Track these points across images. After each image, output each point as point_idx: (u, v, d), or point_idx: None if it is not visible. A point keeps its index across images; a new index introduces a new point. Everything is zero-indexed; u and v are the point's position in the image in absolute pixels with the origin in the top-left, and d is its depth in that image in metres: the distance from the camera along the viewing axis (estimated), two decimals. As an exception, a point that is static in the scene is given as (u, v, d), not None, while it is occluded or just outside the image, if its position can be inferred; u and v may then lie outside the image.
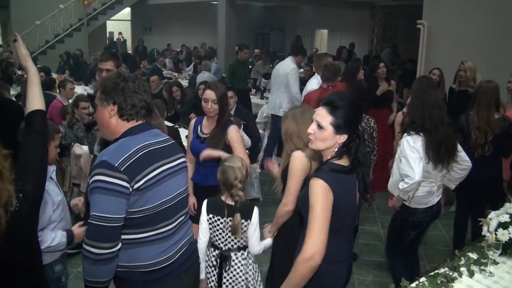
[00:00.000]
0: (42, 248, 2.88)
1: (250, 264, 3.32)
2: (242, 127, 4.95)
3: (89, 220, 2.19)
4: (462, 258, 2.93)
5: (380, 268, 4.96)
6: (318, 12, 20.89)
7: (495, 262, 2.91)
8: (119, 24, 22.21)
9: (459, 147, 3.86)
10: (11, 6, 17.15)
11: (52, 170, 3.24)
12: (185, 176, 2.57)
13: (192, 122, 4.14)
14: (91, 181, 2.21)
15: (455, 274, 2.75)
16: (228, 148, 3.87)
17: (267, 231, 3.44)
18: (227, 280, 3.27)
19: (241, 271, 3.27)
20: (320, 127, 2.39)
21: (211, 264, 3.36)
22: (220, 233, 3.26)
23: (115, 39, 20.92)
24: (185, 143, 5.78)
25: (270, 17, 22.70)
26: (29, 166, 2.09)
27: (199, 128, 4.02)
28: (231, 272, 3.27)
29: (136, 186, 2.20)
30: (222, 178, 3.24)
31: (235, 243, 3.26)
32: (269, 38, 23.69)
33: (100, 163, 2.20)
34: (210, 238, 3.33)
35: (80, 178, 5.80)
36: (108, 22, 19.79)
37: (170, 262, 2.42)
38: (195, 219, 3.42)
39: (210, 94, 3.85)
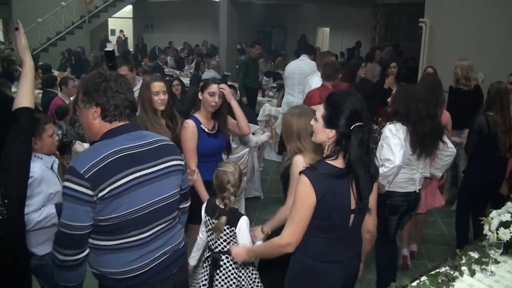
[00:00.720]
0: (31, 226, 2.95)
1: (243, 268, 3.29)
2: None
3: (57, 226, 2.18)
4: (463, 257, 2.92)
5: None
6: (320, 10, 20.86)
7: (496, 261, 2.91)
8: (121, 22, 22.20)
9: (444, 137, 3.98)
10: (12, 3, 17.15)
11: (51, 160, 3.26)
12: (175, 180, 2.43)
13: (192, 125, 3.93)
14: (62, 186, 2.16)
15: (456, 273, 2.74)
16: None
17: (259, 231, 3.33)
18: (219, 283, 3.27)
19: (232, 274, 3.24)
20: (315, 119, 2.48)
21: (204, 265, 3.38)
22: (211, 235, 3.28)
23: (116, 38, 20.89)
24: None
25: (271, 15, 22.68)
26: (11, 169, 2.07)
27: (203, 128, 3.95)
28: (223, 275, 3.26)
29: (100, 194, 2.10)
30: (216, 182, 3.26)
31: (225, 247, 3.25)
32: (271, 36, 23.67)
33: (68, 169, 2.14)
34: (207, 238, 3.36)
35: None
36: (109, 19, 19.77)
37: (143, 271, 2.31)
38: (194, 219, 3.42)
39: (216, 88, 3.89)
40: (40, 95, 7.72)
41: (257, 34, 23.52)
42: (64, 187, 2.11)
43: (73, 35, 17.68)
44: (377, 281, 4.28)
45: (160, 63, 13.62)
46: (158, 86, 3.85)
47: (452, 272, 2.74)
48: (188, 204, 2.70)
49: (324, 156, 2.48)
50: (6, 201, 1.91)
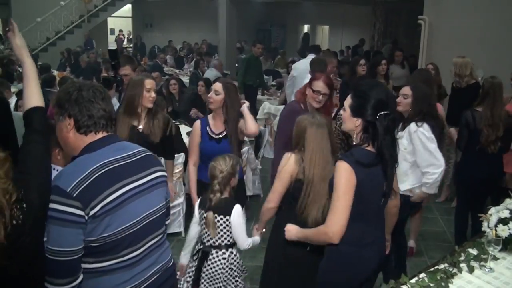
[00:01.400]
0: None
1: (231, 264, 3.31)
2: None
3: (45, 253, 1.96)
4: (462, 254, 2.93)
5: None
6: (319, 8, 20.84)
7: (495, 258, 2.91)
8: (120, 21, 22.20)
9: None
10: (11, 3, 17.15)
11: None
12: (161, 192, 2.27)
13: (197, 124, 4.04)
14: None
15: (455, 270, 2.74)
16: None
17: (255, 229, 3.49)
18: (206, 275, 3.30)
19: (219, 269, 3.27)
20: (344, 108, 2.62)
21: (194, 258, 3.43)
22: (204, 228, 3.33)
23: (115, 37, 20.86)
24: (185, 139, 5.81)
25: (271, 13, 22.65)
26: (30, 172, 1.93)
27: (208, 130, 3.97)
28: (210, 268, 3.29)
29: (91, 213, 1.93)
30: (209, 174, 3.33)
31: (216, 240, 3.28)
32: (270, 34, 23.65)
33: (53, 189, 1.94)
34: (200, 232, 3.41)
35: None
36: (109, 19, 19.76)
37: None
38: None
39: (215, 85, 3.92)
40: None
41: (256, 32, 23.50)
42: (50, 209, 1.91)
43: (73, 34, 17.69)
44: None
45: (159, 62, 13.63)
46: (150, 83, 3.89)
47: (451, 269, 2.74)
48: (169, 219, 2.48)
49: (354, 144, 2.63)
50: (24, 205, 1.77)
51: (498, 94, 4.53)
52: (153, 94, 3.87)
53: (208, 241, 3.31)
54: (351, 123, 2.59)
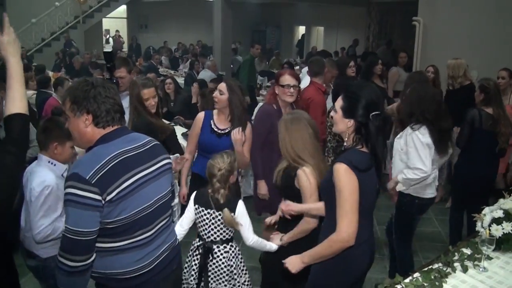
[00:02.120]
0: (57, 234, 2.99)
1: (233, 257, 3.34)
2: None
3: (63, 232, 2.14)
4: (456, 253, 2.94)
5: (375, 264, 4.93)
6: (314, 9, 20.86)
7: (489, 258, 2.92)
8: (115, 22, 22.16)
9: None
10: (6, 4, 17.08)
11: (64, 169, 3.26)
12: (168, 178, 2.49)
13: (201, 115, 4.10)
14: (64, 192, 2.13)
15: (449, 270, 2.76)
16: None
17: (277, 238, 3.35)
18: (211, 272, 3.31)
19: (223, 263, 3.30)
20: (335, 110, 2.62)
21: (194, 254, 3.42)
22: (205, 225, 3.32)
23: (111, 38, 20.79)
24: (181, 140, 5.80)
25: (266, 14, 22.67)
26: None
27: (212, 123, 4.01)
28: (214, 264, 3.31)
29: (108, 198, 2.11)
30: (207, 173, 3.33)
31: (218, 236, 3.31)
32: (265, 35, 23.67)
33: (71, 176, 2.11)
34: (197, 228, 3.40)
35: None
36: (104, 19, 19.72)
37: (147, 269, 2.35)
38: None
39: (220, 85, 3.97)
40: (35, 96, 7.69)
41: (252, 34, 23.53)
42: (69, 193, 2.08)
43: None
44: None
45: (154, 63, 13.61)
46: (147, 93, 3.90)
47: (444, 269, 2.76)
48: (175, 202, 2.75)
49: (346, 145, 2.65)
50: None
51: (500, 93, 4.68)
52: (152, 102, 3.88)
53: (208, 237, 3.32)
54: (343, 125, 2.59)
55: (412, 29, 9.16)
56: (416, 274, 2.71)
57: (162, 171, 2.41)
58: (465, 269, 2.80)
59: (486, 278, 2.75)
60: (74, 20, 17.80)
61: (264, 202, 4.31)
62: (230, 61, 15.40)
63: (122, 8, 21.12)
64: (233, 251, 3.36)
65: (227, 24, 14.70)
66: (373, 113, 2.51)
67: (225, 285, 3.32)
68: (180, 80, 11.06)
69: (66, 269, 2.11)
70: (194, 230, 3.51)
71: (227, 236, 3.32)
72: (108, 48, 5.64)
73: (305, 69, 7.95)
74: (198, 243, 3.41)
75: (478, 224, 3.09)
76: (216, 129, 3.99)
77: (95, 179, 2.07)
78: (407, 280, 2.64)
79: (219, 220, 3.26)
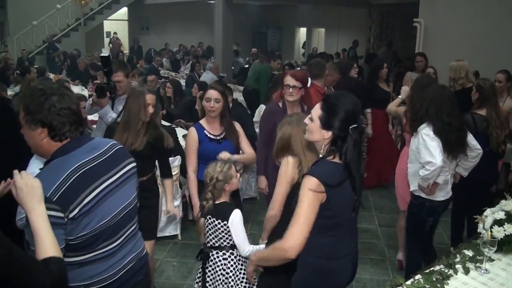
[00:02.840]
0: None
1: (231, 265, 3.29)
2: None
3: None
4: (457, 255, 2.93)
5: (377, 266, 4.97)
6: (315, 11, 20.89)
7: (491, 259, 2.91)
8: (117, 24, 22.18)
9: (470, 135, 3.99)
10: (8, 6, 17.14)
11: None
12: (133, 184, 2.36)
13: (193, 130, 4.02)
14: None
15: (450, 271, 2.75)
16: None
17: (261, 238, 3.42)
18: (208, 277, 3.32)
19: (220, 270, 3.27)
20: (311, 118, 2.50)
21: (198, 258, 3.44)
22: (208, 230, 3.34)
23: (110, 40, 20.77)
24: (182, 142, 5.80)
25: (267, 16, 22.70)
26: None
27: (206, 133, 3.99)
28: (212, 269, 3.30)
29: (71, 215, 1.99)
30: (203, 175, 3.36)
31: (216, 242, 3.29)
32: (266, 37, 23.69)
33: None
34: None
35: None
36: (105, 22, 19.77)
37: (112, 280, 2.24)
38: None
39: (212, 94, 3.91)
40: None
41: (253, 35, 23.55)
42: None
43: (69, 37, 17.69)
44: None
45: (155, 65, 13.63)
46: (150, 99, 3.81)
47: (446, 271, 2.75)
48: (176, 203, 2.65)
49: (320, 156, 2.52)
50: None
51: (496, 94, 4.61)
52: (150, 110, 3.83)
53: (208, 242, 3.33)
54: (319, 135, 2.48)
55: (413, 30, 9.16)
56: (418, 276, 2.70)
57: (126, 177, 2.30)
58: (466, 271, 2.79)
59: (488, 280, 2.74)
60: (75, 22, 17.85)
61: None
62: (231, 63, 15.41)
63: (123, 10, 21.15)
64: (232, 259, 3.30)
65: (228, 25, 14.71)
66: (352, 126, 2.42)
67: None
68: (181, 82, 11.06)
69: None
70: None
71: (225, 243, 3.29)
72: (105, 53, 5.56)
73: None
74: (202, 247, 3.42)
75: (480, 225, 3.09)
76: (214, 137, 3.98)
77: (56, 197, 1.96)
78: (408, 282, 2.64)
79: (215, 226, 3.25)
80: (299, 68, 10.75)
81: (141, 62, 14.71)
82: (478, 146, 4.03)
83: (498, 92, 5.11)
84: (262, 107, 8.80)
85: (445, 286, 2.62)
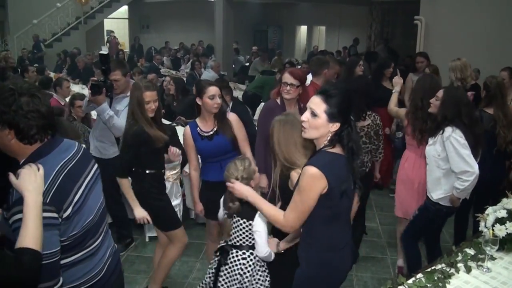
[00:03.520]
0: None
1: (250, 266, 3.23)
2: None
3: None
4: (459, 254, 2.93)
5: (379, 264, 4.96)
6: (315, 9, 20.87)
7: (493, 258, 2.91)
8: (117, 23, 22.16)
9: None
10: (8, 5, 17.12)
11: None
12: (100, 183, 2.39)
13: (187, 130, 4.03)
14: (13, 220, 1.91)
15: (452, 270, 2.74)
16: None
17: (274, 245, 3.20)
18: (224, 274, 3.27)
19: (237, 269, 3.21)
20: (314, 114, 2.46)
21: (216, 254, 3.39)
22: (233, 228, 3.31)
23: (107, 40, 20.70)
24: (182, 141, 5.79)
25: (267, 14, 22.68)
26: None
27: (198, 130, 3.97)
28: (229, 267, 3.25)
29: (65, 215, 2.02)
30: (224, 176, 3.28)
31: (238, 241, 3.26)
32: (267, 35, 23.67)
33: (21, 199, 1.89)
34: None
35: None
36: (105, 20, 19.74)
37: (99, 277, 2.30)
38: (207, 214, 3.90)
39: (216, 90, 3.87)
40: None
41: (253, 34, 23.53)
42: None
43: (69, 36, 17.66)
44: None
45: (156, 63, 13.61)
46: (149, 96, 3.79)
47: (448, 269, 2.74)
48: (177, 202, 2.71)
49: (320, 147, 2.53)
50: None
51: (504, 92, 4.52)
52: (152, 106, 3.82)
53: (231, 240, 3.30)
54: (326, 129, 2.46)
55: (414, 28, 9.14)
56: (420, 275, 2.69)
57: (97, 175, 2.34)
58: (468, 270, 2.78)
59: (490, 278, 2.73)
60: (75, 21, 17.83)
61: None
62: (231, 61, 15.40)
63: (124, 9, 21.13)
64: (251, 259, 3.24)
65: (228, 24, 14.71)
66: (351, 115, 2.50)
67: None
68: (182, 81, 11.04)
69: None
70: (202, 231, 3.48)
71: (246, 243, 3.25)
72: (104, 50, 5.59)
73: None
74: (222, 244, 3.38)
75: (482, 224, 3.08)
76: (204, 134, 3.96)
77: (49, 199, 1.96)
78: (410, 281, 2.63)
79: (240, 225, 3.22)
80: (299, 66, 10.74)
81: (142, 60, 14.69)
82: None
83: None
84: (262, 106, 8.84)
85: (447, 285, 2.62)
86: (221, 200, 3.47)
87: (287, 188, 3.08)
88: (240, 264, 3.23)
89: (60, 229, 2.01)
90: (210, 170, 4.00)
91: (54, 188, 2.00)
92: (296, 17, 22.49)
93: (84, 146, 2.39)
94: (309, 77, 6.16)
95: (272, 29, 23.67)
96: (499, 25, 7.68)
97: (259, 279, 3.26)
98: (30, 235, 1.84)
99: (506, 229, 2.95)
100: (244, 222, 3.21)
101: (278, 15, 22.72)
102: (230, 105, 5.81)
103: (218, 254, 3.37)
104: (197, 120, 4.03)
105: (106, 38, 20.87)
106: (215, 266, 3.36)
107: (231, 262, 3.26)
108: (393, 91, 5.06)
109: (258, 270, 3.28)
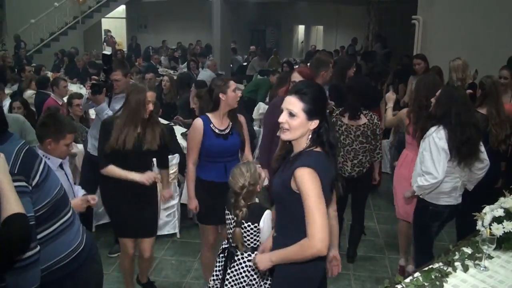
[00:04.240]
0: None
1: (259, 271, 3.15)
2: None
3: None
4: (456, 252, 2.93)
5: (376, 263, 4.97)
6: (313, 8, 20.88)
7: (490, 257, 2.91)
8: (115, 22, 22.15)
9: (482, 147, 3.80)
10: (5, 4, 17.09)
11: (59, 162, 3.33)
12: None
13: (199, 122, 3.87)
14: None
15: (449, 269, 2.75)
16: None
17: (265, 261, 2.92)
18: (230, 277, 3.23)
19: (244, 271, 3.17)
20: (292, 115, 2.43)
21: (221, 255, 3.36)
22: (229, 228, 3.28)
23: (104, 39, 20.69)
24: (180, 140, 5.79)
25: (265, 13, 22.65)
26: None
27: (213, 127, 3.85)
28: (235, 270, 3.21)
29: (34, 183, 2.19)
30: (230, 184, 3.23)
31: (247, 241, 3.20)
32: (265, 35, 23.66)
33: None
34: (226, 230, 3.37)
35: (75, 176, 5.79)
36: (103, 20, 19.71)
37: (82, 246, 2.49)
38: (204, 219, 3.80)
39: (235, 83, 3.89)
40: (34, 96, 7.69)
41: (251, 33, 23.52)
42: None
43: (67, 36, 17.61)
44: None
45: (153, 63, 13.61)
46: (151, 96, 3.76)
47: (445, 268, 2.75)
48: (174, 202, 2.79)
49: (302, 148, 2.48)
50: None
51: (499, 91, 4.52)
52: (151, 107, 3.78)
53: (233, 242, 3.25)
54: (305, 128, 2.45)
55: (412, 28, 9.15)
56: (417, 274, 2.69)
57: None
58: (465, 269, 2.78)
59: (487, 277, 2.74)
60: (73, 20, 17.79)
61: None
62: (229, 60, 15.40)
63: (121, 8, 21.10)
64: None
65: (226, 23, 14.73)
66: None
67: None
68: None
69: (21, 265, 2.04)
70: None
71: (251, 245, 3.21)
72: (107, 50, 5.64)
73: None
74: (225, 245, 3.34)
75: (479, 223, 3.08)
76: (220, 132, 3.85)
77: (16, 169, 2.14)
78: (407, 280, 2.63)
79: (245, 227, 3.17)
80: (297, 66, 10.75)
81: (139, 60, 14.68)
82: (486, 158, 3.82)
83: (503, 89, 5.04)
84: (260, 105, 8.85)
85: (444, 283, 2.62)
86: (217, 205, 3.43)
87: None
88: (247, 266, 3.18)
89: (32, 197, 2.17)
90: (212, 170, 3.88)
91: (19, 161, 2.18)
92: (294, 17, 22.49)
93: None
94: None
95: (270, 29, 23.66)
96: (496, 25, 7.69)
97: (267, 280, 3.20)
98: (13, 201, 2.00)
99: (503, 228, 2.96)
100: (249, 225, 3.15)
101: (276, 14, 22.70)
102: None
103: (223, 255, 3.35)
104: (210, 116, 3.89)
105: (103, 37, 20.87)
106: (220, 268, 3.33)
107: (238, 264, 3.22)
108: (386, 107, 5.05)
109: (264, 274, 3.20)
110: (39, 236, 2.23)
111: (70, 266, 2.41)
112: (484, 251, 2.85)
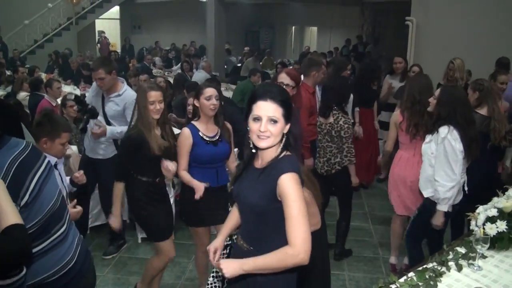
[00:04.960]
0: None
1: None
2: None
3: None
4: (450, 252, 2.94)
5: (371, 264, 4.98)
6: (307, 9, 20.91)
7: (484, 256, 2.92)
8: (108, 23, 22.11)
9: None
10: (-1, 6, 17.05)
11: (55, 160, 3.32)
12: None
13: (187, 131, 3.82)
14: None
15: (443, 269, 2.76)
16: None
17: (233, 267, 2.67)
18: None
19: None
20: (274, 121, 2.31)
21: (224, 252, 3.33)
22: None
23: (98, 40, 20.62)
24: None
25: (259, 14, 22.69)
26: None
27: (201, 135, 3.81)
28: None
29: (22, 202, 2.07)
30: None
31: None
32: (259, 36, 23.69)
33: None
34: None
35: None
36: (97, 21, 19.69)
37: (71, 264, 2.36)
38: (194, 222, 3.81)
39: (212, 91, 3.76)
40: (28, 98, 7.66)
41: (245, 34, 23.54)
42: None
43: (61, 37, 17.57)
44: None
45: (147, 64, 13.59)
46: (154, 96, 3.70)
47: (439, 268, 2.76)
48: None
49: (276, 154, 2.39)
50: None
51: (494, 92, 4.60)
52: (157, 106, 3.71)
53: (236, 238, 3.26)
54: (281, 133, 2.36)
55: (405, 28, 9.18)
56: (411, 274, 2.70)
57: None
58: (459, 268, 2.79)
59: (481, 276, 2.75)
60: (67, 21, 17.75)
61: None
62: (223, 61, 15.40)
63: (115, 9, 21.08)
64: None
65: (220, 24, 14.72)
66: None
67: None
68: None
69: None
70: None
71: None
72: (79, 94, 5.78)
73: None
74: (228, 242, 3.28)
75: (473, 223, 3.10)
76: (210, 139, 3.83)
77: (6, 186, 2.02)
78: (401, 280, 2.64)
79: None
80: (291, 67, 10.77)
81: (133, 61, 14.65)
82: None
83: (497, 93, 5.08)
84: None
85: (438, 283, 2.62)
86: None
87: None
88: None
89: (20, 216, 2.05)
90: (204, 175, 3.82)
91: (9, 178, 2.05)
92: (288, 18, 22.52)
93: (34, 143, 2.43)
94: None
95: (264, 30, 23.68)
96: (489, 26, 7.73)
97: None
98: (10, 213, 1.92)
99: (497, 227, 2.97)
100: None
101: (270, 15, 22.74)
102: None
103: (226, 251, 3.32)
104: (196, 124, 3.85)
105: (97, 38, 20.83)
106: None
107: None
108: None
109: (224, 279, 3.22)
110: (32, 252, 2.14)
111: (58, 283, 2.30)
112: (478, 250, 2.86)
